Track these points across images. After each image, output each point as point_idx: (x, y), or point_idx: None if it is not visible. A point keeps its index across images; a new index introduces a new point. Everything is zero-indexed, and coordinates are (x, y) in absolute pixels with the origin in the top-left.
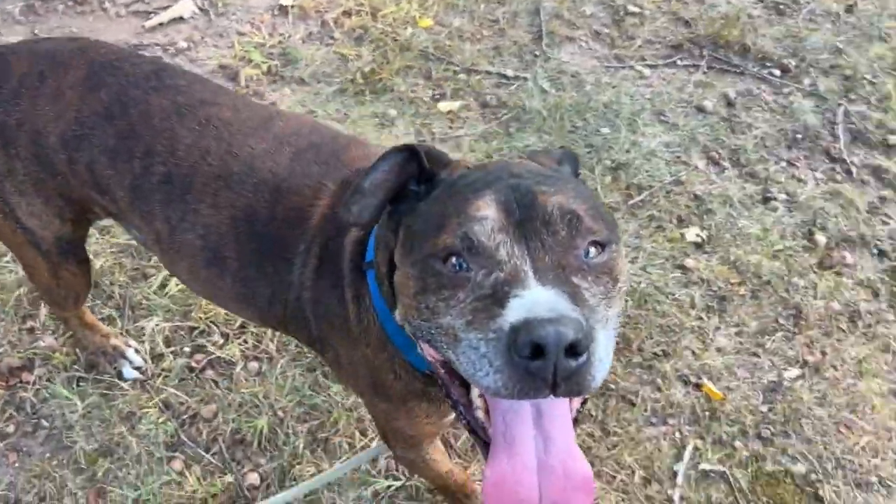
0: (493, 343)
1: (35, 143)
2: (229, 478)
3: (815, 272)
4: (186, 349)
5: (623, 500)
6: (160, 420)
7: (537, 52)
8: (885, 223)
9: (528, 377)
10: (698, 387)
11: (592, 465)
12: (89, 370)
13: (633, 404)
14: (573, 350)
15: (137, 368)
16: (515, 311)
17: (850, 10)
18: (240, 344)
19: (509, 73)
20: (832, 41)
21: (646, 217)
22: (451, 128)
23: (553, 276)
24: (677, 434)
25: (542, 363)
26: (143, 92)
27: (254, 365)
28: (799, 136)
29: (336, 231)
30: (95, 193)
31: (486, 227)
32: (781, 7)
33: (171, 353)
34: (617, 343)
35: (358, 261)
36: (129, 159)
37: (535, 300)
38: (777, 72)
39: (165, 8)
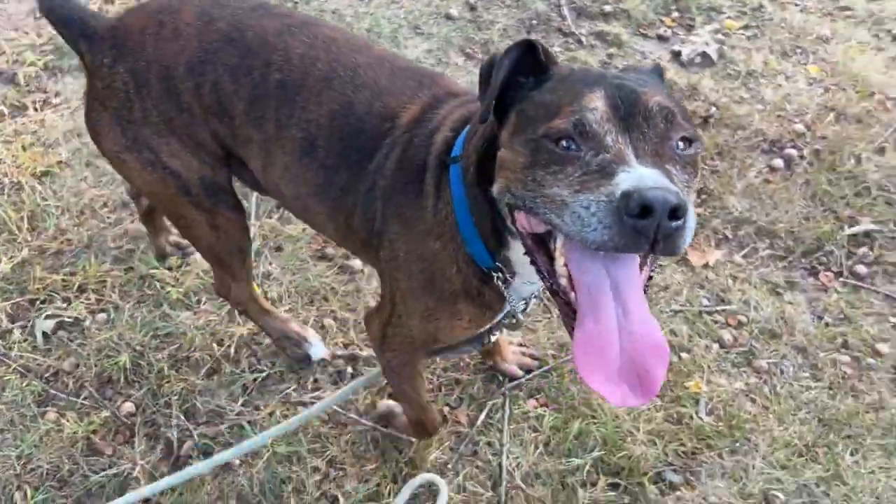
0: (604, 204)
1: (165, 79)
2: (105, 413)
3: None
4: (34, 318)
5: None
6: (24, 385)
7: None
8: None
9: (634, 233)
10: None
11: None
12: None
13: None
14: (675, 213)
15: (324, 352)
16: (626, 181)
17: None
18: (83, 301)
19: None
20: None
21: None
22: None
23: (651, 160)
24: None
25: (648, 222)
26: (255, 18)
27: (101, 316)
28: (534, 21)
29: (424, 132)
30: (216, 120)
31: (596, 116)
32: None
33: (20, 326)
34: None
35: (444, 157)
36: (249, 72)
37: (641, 174)
38: None
39: None
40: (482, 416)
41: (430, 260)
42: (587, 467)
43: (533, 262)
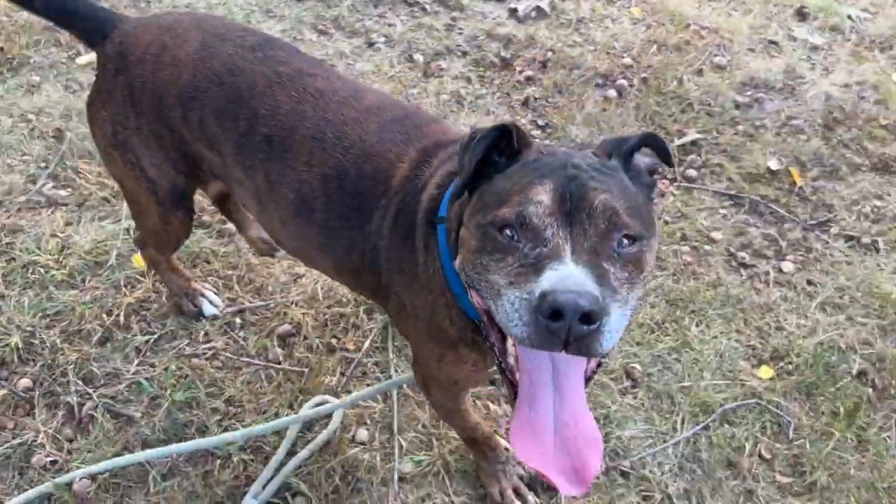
0: (525, 302)
1: (157, 102)
2: (2, 391)
3: (423, 82)
4: None
5: None
6: None
7: None
8: (459, 34)
9: (547, 333)
10: None
11: None
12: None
13: None
14: (587, 318)
15: (215, 306)
16: (547, 280)
17: None
18: None
19: None
20: None
21: None
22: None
23: (587, 258)
24: None
25: (560, 325)
26: (249, 62)
27: None
28: None
29: (414, 190)
30: (206, 150)
31: (538, 210)
32: None
33: None
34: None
35: (430, 215)
36: (236, 120)
37: (565, 274)
38: None
39: None
40: (367, 343)
41: (429, 310)
42: None
43: (486, 339)
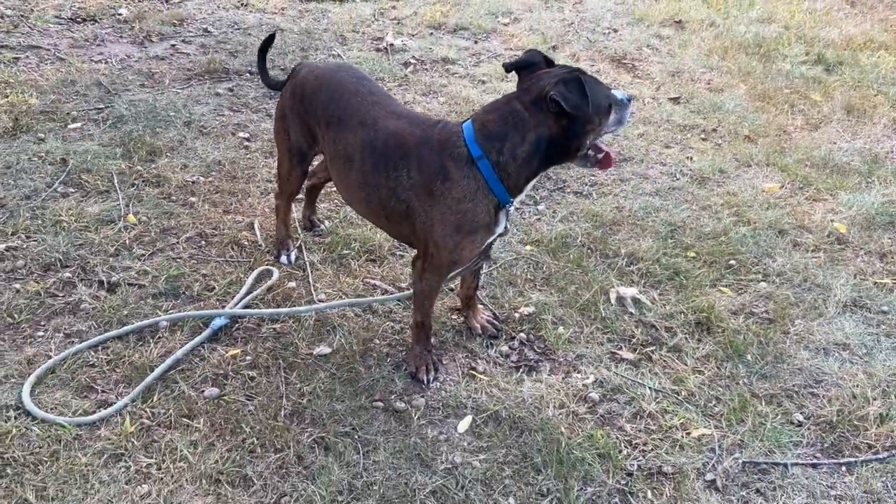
0: (620, 102)
1: (301, 101)
2: (53, 280)
3: None
4: None
5: None
6: None
7: None
8: None
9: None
10: None
11: None
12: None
13: None
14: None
15: (289, 261)
16: (618, 91)
17: None
18: None
19: None
20: None
21: None
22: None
23: None
24: None
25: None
26: (344, 83)
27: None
28: None
29: (429, 149)
30: (316, 126)
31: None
32: None
33: None
34: None
35: (468, 157)
36: (328, 109)
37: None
38: None
39: None
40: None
41: (463, 213)
42: (355, 250)
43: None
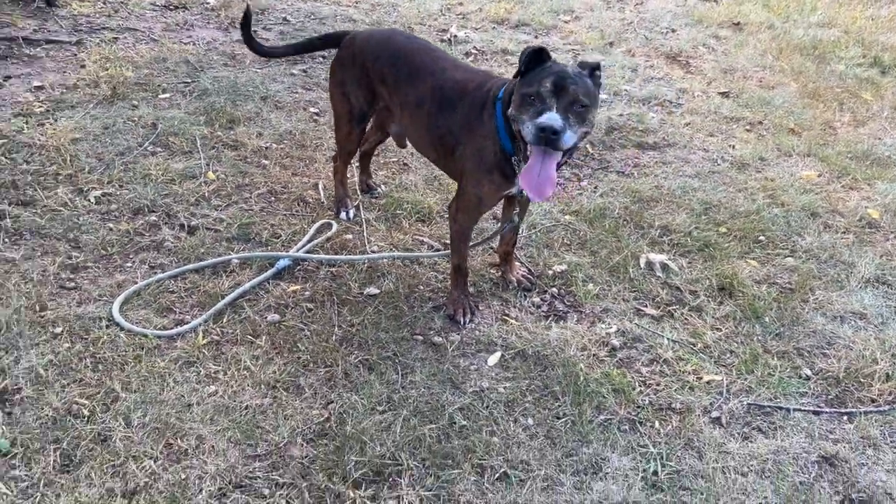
0: (534, 125)
1: (361, 63)
2: (141, 222)
3: None
4: None
5: None
6: None
7: None
8: None
9: (540, 136)
10: None
11: None
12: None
13: None
14: (554, 132)
15: (348, 218)
16: (544, 117)
17: None
18: None
19: None
20: None
21: None
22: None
23: (561, 112)
24: None
25: (544, 134)
26: (405, 43)
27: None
28: None
29: (478, 94)
30: (380, 86)
31: (544, 90)
32: None
33: None
34: None
35: (495, 99)
36: (395, 67)
37: (550, 115)
38: None
39: None
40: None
41: (482, 150)
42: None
43: (516, 150)
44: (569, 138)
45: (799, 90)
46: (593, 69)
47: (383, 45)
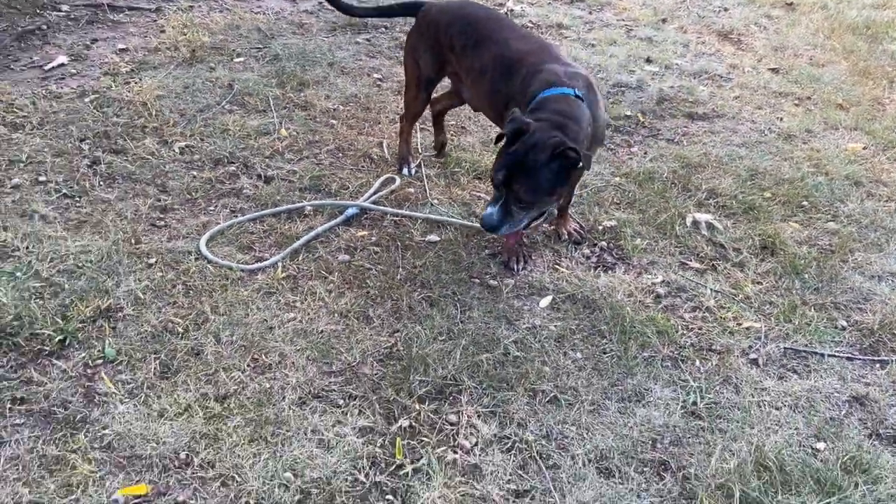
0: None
1: (435, 31)
2: (208, 174)
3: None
4: None
5: None
6: None
7: None
8: None
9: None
10: None
11: None
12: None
13: None
14: (491, 227)
15: (409, 173)
16: (486, 211)
17: None
18: None
19: None
20: None
21: None
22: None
23: (503, 204)
24: None
25: (485, 229)
26: (476, 13)
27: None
28: None
29: (536, 69)
30: (450, 53)
31: (497, 180)
32: None
33: None
34: None
35: (532, 95)
36: (465, 35)
37: (489, 211)
38: None
39: None
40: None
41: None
42: (465, 168)
43: None
44: (507, 230)
45: (849, 68)
46: (556, 151)
47: (456, 14)
